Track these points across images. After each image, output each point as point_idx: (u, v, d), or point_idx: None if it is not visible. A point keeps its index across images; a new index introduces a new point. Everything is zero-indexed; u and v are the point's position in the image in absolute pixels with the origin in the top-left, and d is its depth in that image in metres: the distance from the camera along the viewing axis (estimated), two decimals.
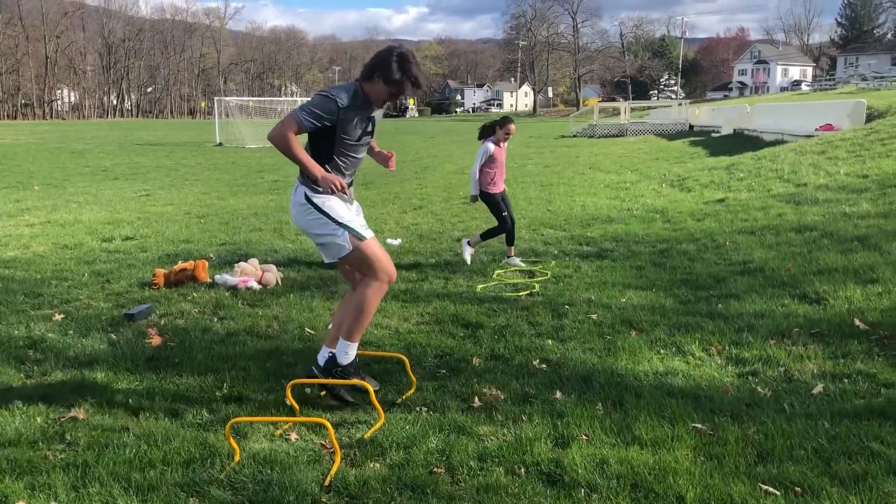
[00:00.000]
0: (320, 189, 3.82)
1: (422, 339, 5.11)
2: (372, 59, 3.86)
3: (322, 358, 4.11)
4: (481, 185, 7.57)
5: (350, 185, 4.10)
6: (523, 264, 7.55)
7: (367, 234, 3.91)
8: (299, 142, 3.78)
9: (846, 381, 4.15)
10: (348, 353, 3.99)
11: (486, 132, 7.64)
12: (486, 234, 7.68)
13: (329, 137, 3.86)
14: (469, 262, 7.51)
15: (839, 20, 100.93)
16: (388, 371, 4.50)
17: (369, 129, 3.99)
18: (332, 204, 3.87)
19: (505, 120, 7.62)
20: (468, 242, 7.67)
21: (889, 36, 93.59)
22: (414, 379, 4.24)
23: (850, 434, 3.42)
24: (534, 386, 4.22)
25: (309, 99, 3.86)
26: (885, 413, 3.66)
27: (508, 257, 7.71)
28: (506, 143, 7.74)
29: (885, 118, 16.29)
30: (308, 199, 3.87)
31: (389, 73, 3.77)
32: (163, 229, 10.30)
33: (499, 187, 7.63)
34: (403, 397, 4.08)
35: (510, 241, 7.76)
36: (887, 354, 4.50)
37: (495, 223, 7.68)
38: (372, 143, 4.22)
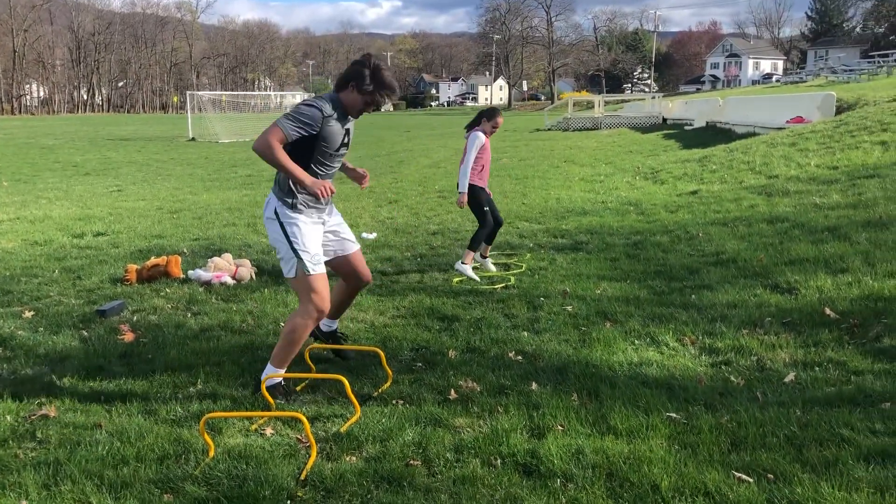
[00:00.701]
0: (295, 204, 3.93)
1: (398, 332, 5.11)
2: (347, 69, 3.94)
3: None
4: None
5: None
6: (494, 269, 7.16)
7: (315, 270, 3.93)
8: (283, 151, 3.80)
9: (817, 369, 4.20)
10: (274, 379, 4.03)
11: (473, 124, 7.11)
12: (474, 242, 6.96)
13: (309, 146, 3.88)
14: (477, 277, 6.78)
15: (809, 14, 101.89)
16: (363, 365, 4.48)
17: (346, 140, 4.03)
18: (296, 230, 3.93)
19: (493, 111, 7.11)
20: (462, 262, 6.87)
21: (858, 29, 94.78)
22: (390, 372, 4.23)
23: (822, 421, 3.47)
24: (509, 378, 4.23)
25: (292, 108, 3.89)
26: (854, 400, 3.72)
27: (483, 257, 7.25)
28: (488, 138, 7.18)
29: (854, 110, 16.50)
30: (276, 215, 3.95)
31: (363, 83, 3.84)
32: (135, 225, 10.18)
33: (484, 182, 7.03)
34: (380, 391, 4.07)
35: (489, 241, 7.28)
36: (857, 343, 4.57)
37: (475, 224, 7.19)
38: (344, 160, 4.26)
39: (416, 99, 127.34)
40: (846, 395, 3.78)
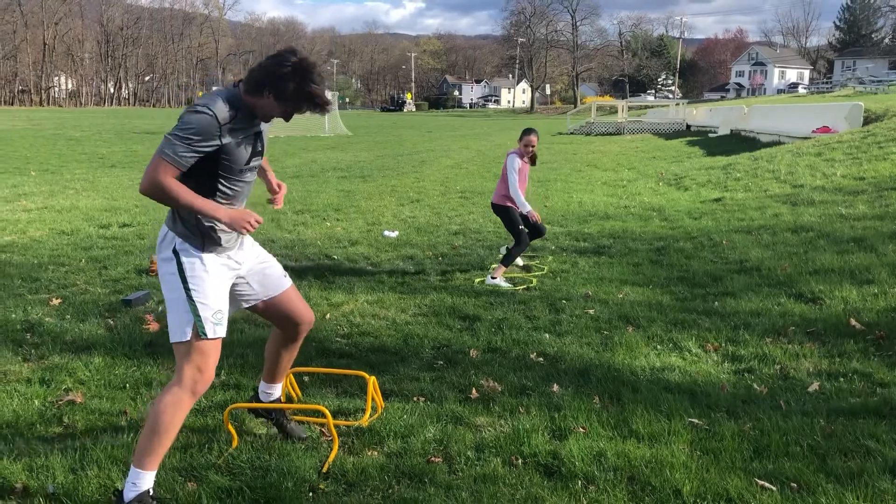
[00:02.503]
0: (203, 244, 2.96)
1: (419, 330, 5.12)
2: (261, 69, 2.86)
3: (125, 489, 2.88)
4: (502, 198, 6.86)
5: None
6: (521, 262, 7.27)
7: (215, 332, 2.95)
8: (178, 183, 2.82)
9: (842, 379, 4.17)
10: (137, 483, 2.85)
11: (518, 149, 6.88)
12: (508, 258, 6.77)
13: (209, 163, 2.88)
14: (510, 285, 6.56)
15: (837, 24, 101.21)
16: (385, 362, 4.50)
17: (259, 147, 3.04)
18: (199, 278, 2.94)
19: (525, 131, 6.90)
20: (492, 277, 6.63)
21: (887, 40, 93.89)
22: (381, 401, 3.81)
23: (846, 432, 3.45)
24: (531, 378, 4.23)
25: (177, 123, 2.82)
26: (880, 412, 3.69)
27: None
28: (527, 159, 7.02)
29: (882, 121, 16.33)
30: (176, 254, 2.95)
31: (283, 91, 2.83)
32: (160, 217, 10.27)
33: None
34: (368, 420, 3.64)
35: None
36: (883, 355, 4.53)
37: (511, 238, 7.05)
38: (263, 162, 3.29)
39: (439, 100, 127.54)
40: (871, 406, 3.75)
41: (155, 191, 2.81)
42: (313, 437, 3.51)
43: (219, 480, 3.07)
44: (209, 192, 2.93)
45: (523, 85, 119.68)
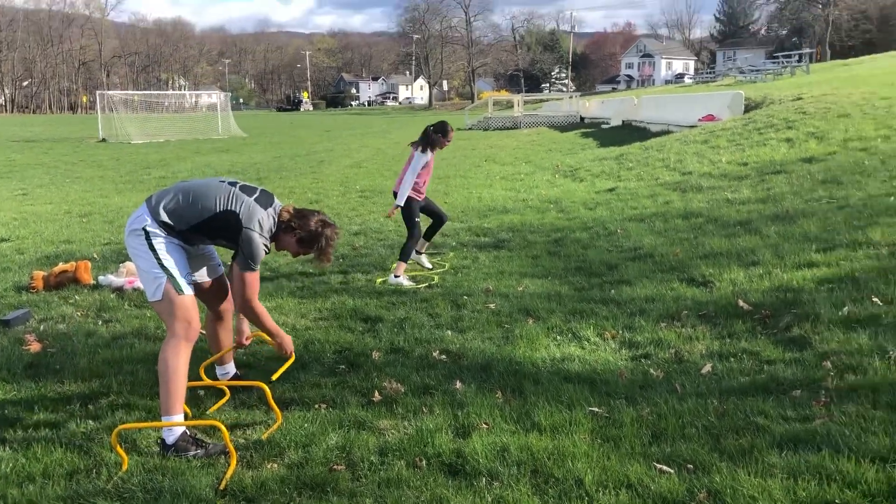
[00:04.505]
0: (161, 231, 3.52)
1: (320, 335, 5.02)
2: (299, 216, 3.65)
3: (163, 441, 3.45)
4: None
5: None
6: (429, 265, 7.15)
7: (188, 290, 3.51)
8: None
9: (732, 359, 4.32)
10: (172, 430, 3.38)
11: (427, 141, 6.73)
12: (404, 254, 6.73)
13: (231, 238, 3.58)
14: (412, 283, 6.58)
15: (717, 16, 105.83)
16: (285, 373, 4.38)
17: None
18: (167, 250, 3.50)
19: (445, 127, 6.77)
20: (394, 276, 6.61)
21: (763, 31, 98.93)
22: (279, 412, 3.73)
23: (737, 410, 3.57)
24: (434, 377, 4.20)
25: (252, 248, 3.52)
26: (767, 388, 3.84)
27: (418, 252, 7.14)
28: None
29: (760, 108, 17.14)
30: (146, 230, 3.49)
31: (312, 243, 3.66)
32: (41, 229, 9.73)
33: (422, 194, 6.87)
34: (267, 434, 3.55)
35: (429, 237, 7.27)
36: (769, 333, 4.72)
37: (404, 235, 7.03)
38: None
39: (336, 98, 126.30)
40: (759, 384, 3.90)
41: (252, 312, 3.71)
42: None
43: None
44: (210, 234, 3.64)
45: (421, 81, 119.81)
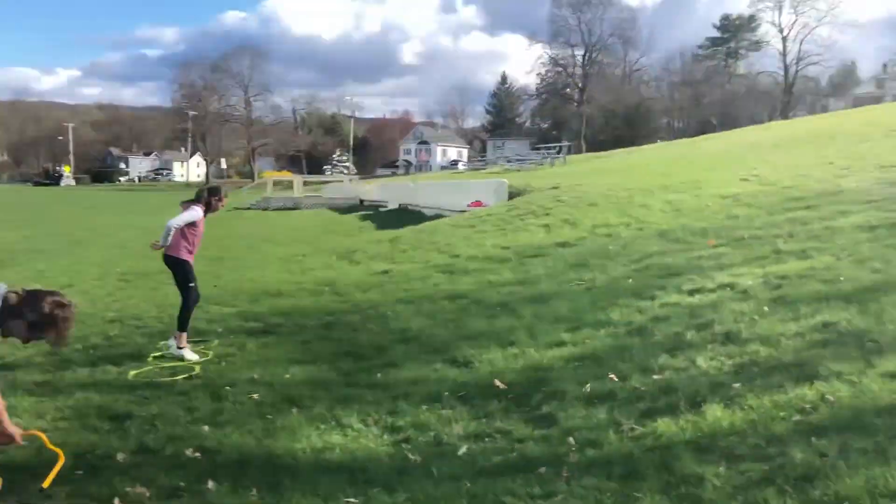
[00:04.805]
0: None
1: (57, 438, 4.55)
2: (30, 299, 3.66)
3: None
4: (179, 250, 6.74)
5: None
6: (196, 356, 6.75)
7: None
8: None
9: (487, 439, 4.49)
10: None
11: (199, 200, 6.93)
12: (183, 321, 6.68)
13: None
14: (195, 356, 6.56)
15: (488, 108, 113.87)
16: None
17: None
18: None
19: (218, 190, 7.11)
20: (178, 347, 6.60)
21: (527, 124, 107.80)
22: (60, 451, 3.80)
23: (488, 492, 3.69)
24: (184, 478, 3.97)
25: None
26: (517, 467, 4.01)
27: (172, 339, 6.86)
28: None
29: (523, 196, 18.46)
30: None
31: (46, 328, 3.61)
32: None
33: (192, 257, 6.90)
34: (52, 475, 3.62)
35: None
36: (521, 411, 4.97)
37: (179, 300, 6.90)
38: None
39: (102, 173, 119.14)
40: (511, 462, 4.08)
41: None
42: None
43: None
44: None
45: (198, 158, 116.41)
